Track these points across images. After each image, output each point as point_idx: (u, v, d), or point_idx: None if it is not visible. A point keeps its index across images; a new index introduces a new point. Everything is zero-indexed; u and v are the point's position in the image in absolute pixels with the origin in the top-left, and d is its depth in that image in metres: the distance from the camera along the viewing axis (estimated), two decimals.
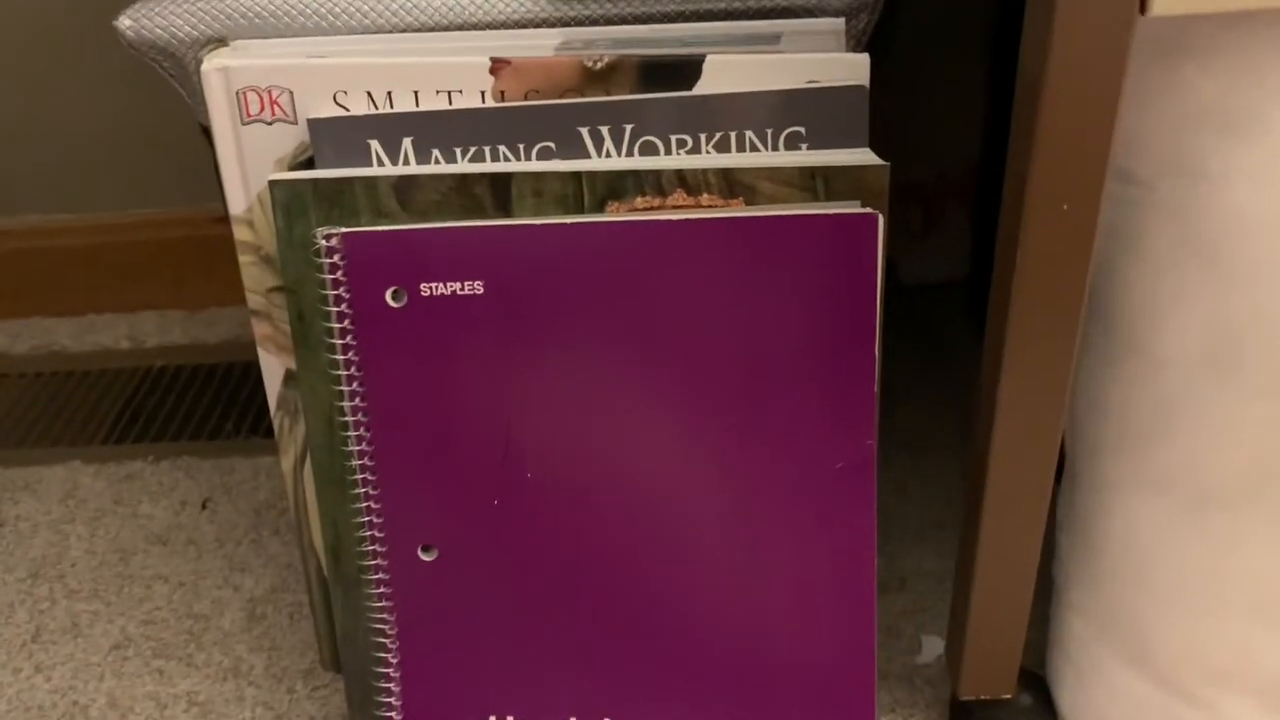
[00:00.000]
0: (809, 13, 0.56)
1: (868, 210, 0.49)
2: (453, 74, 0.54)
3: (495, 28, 0.57)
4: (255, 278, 0.59)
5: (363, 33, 0.57)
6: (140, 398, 1.03)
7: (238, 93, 0.55)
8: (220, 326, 1.13)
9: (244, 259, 0.58)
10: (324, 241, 0.52)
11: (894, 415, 0.89)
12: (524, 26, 0.57)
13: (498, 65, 0.54)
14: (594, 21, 0.56)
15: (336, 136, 0.54)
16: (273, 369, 0.61)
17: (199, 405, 1.01)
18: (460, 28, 0.57)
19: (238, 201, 0.57)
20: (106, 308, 1.15)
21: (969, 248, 1.11)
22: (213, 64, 0.55)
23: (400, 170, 0.54)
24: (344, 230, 0.51)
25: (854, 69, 0.52)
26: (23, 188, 1.12)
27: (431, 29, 0.57)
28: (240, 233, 0.58)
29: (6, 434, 0.99)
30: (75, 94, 1.07)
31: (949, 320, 1.05)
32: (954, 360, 0.99)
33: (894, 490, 0.85)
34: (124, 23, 0.58)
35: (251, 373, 1.02)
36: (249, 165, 0.57)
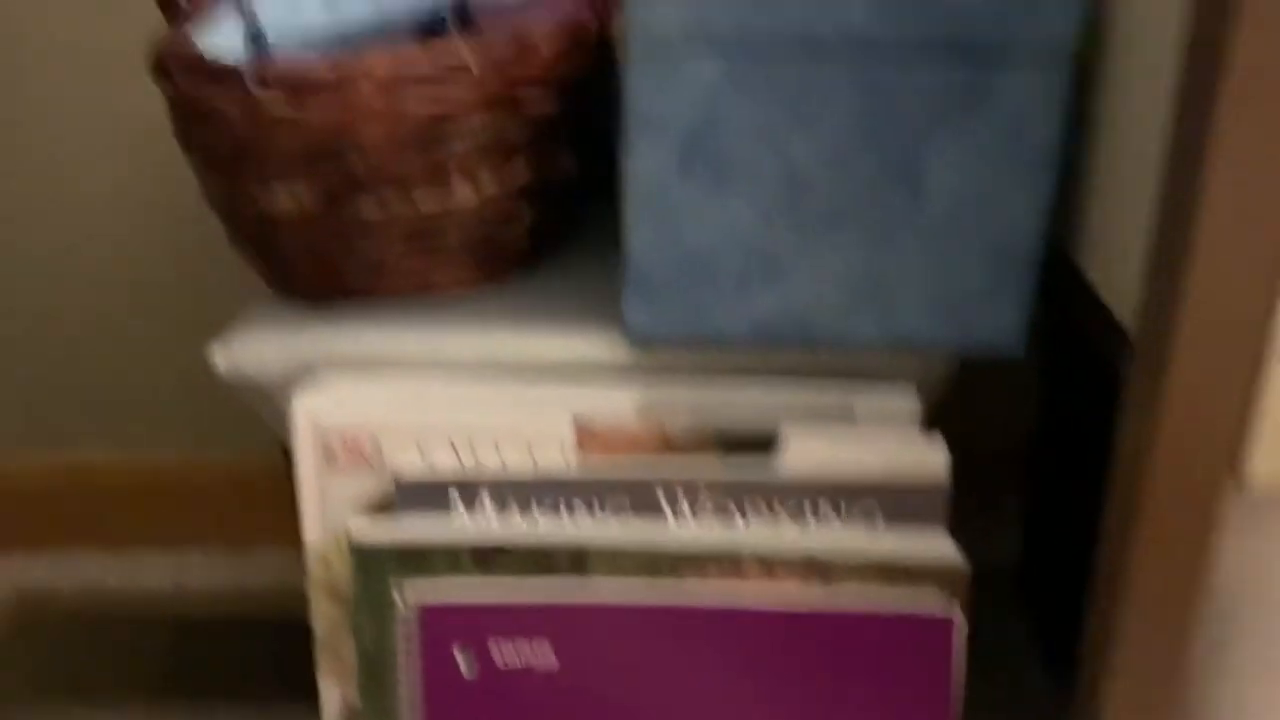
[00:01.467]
0: (880, 375, 0.57)
1: (946, 615, 0.49)
2: (535, 435, 0.56)
3: (575, 370, 0.58)
4: (326, 613, 0.59)
5: (448, 369, 0.59)
6: (183, 649, 1.02)
7: (324, 435, 0.56)
8: (268, 572, 1.13)
9: (315, 592, 0.59)
10: (402, 607, 0.52)
11: None
12: (604, 371, 0.58)
13: (581, 432, 0.55)
14: (670, 369, 0.58)
15: (420, 492, 0.55)
16: (332, 696, 0.61)
17: (244, 661, 1.00)
18: (540, 368, 0.59)
19: (314, 531, 0.58)
20: (154, 543, 1.16)
21: (1020, 531, 1.10)
22: (302, 405, 0.56)
23: (480, 540, 0.54)
24: (424, 603, 0.52)
25: (931, 459, 0.53)
26: (73, 422, 1.14)
27: (514, 369, 0.59)
28: (315, 568, 0.58)
29: (45, 684, 0.98)
30: (131, 339, 1.10)
31: (998, 613, 1.02)
32: (1004, 668, 0.94)
33: None
34: (217, 357, 0.60)
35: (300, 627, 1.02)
36: (330, 501, 0.58)
